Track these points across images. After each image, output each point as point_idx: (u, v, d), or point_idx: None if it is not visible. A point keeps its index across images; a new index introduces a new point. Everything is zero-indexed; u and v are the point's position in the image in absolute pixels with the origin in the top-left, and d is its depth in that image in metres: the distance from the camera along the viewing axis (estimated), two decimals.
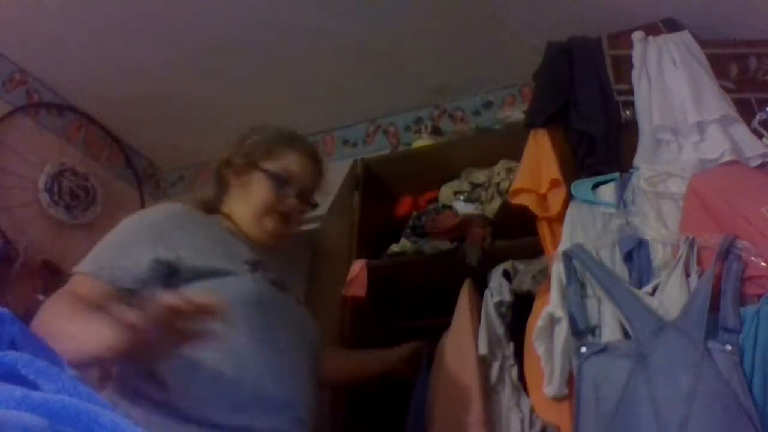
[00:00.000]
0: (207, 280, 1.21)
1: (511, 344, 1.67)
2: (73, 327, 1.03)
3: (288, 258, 1.49)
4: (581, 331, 1.35)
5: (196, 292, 1.04)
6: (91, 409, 0.40)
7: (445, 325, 1.83)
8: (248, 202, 1.40)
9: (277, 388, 1.20)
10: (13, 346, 0.47)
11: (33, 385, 0.42)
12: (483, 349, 1.62)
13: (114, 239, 1.25)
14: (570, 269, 1.42)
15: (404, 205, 2.20)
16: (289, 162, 1.43)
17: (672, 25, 1.93)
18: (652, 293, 1.34)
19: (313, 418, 1.29)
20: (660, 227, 1.45)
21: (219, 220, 1.42)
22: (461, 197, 2.02)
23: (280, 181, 1.41)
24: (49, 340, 0.90)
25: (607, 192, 1.59)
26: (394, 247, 2.00)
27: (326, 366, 1.48)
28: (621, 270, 1.43)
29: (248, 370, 1.17)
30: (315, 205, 1.51)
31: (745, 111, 1.64)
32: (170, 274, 1.20)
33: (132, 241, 1.23)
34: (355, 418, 1.81)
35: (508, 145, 1.97)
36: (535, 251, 1.66)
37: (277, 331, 1.26)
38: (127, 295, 1.15)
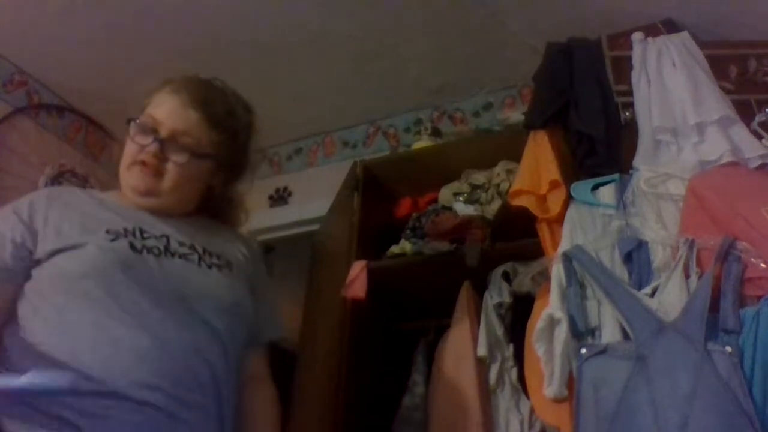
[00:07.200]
0: (51, 259, 1.12)
1: (511, 346, 1.67)
2: None
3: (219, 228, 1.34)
4: (581, 332, 1.35)
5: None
6: None
7: (445, 327, 1.84)
8: (121, 162, 1.25)
9: (133, 367, 1.03)
10: None
11: None
12: (482, 351, 1.62)
13: None
14: (570, 271, 1.42)
15: (404, 207, 2.20)
16: (158, 108, 1.25)
17: (671, 26, 1.93)
18: (652, 294, 1.34)
19: (212, 395, 1.10)
20: (659, 228, 1.44)
21: (110, 194, 1.29)
22: (461, 198, 2.02)
23: (144, 129, 1.21)
24: None
25: (607, 193, 1.59)
26: (394, 249, 2.00)
27: (244, 391, 1.22)
28: (621, 271, 1.43)
29: (84, 351, 1.03)
30: (200, 155, 1.23)
31: (745, 112, 1.64)
32: (29, 259, 1.12)
33: None
34: (353, 418, 1.81)
35: (507, 146, 1.97)
36: (535, 253, 1.66)
37: (138, 303, 1.09)
38: None
